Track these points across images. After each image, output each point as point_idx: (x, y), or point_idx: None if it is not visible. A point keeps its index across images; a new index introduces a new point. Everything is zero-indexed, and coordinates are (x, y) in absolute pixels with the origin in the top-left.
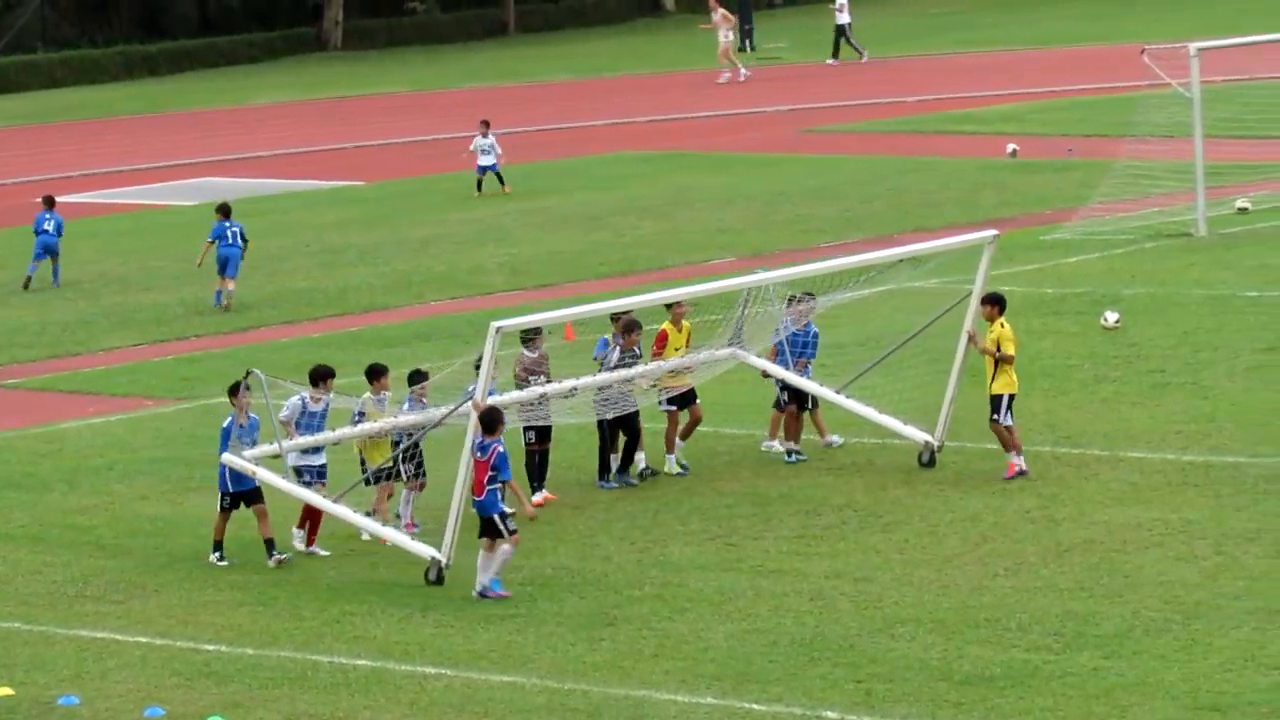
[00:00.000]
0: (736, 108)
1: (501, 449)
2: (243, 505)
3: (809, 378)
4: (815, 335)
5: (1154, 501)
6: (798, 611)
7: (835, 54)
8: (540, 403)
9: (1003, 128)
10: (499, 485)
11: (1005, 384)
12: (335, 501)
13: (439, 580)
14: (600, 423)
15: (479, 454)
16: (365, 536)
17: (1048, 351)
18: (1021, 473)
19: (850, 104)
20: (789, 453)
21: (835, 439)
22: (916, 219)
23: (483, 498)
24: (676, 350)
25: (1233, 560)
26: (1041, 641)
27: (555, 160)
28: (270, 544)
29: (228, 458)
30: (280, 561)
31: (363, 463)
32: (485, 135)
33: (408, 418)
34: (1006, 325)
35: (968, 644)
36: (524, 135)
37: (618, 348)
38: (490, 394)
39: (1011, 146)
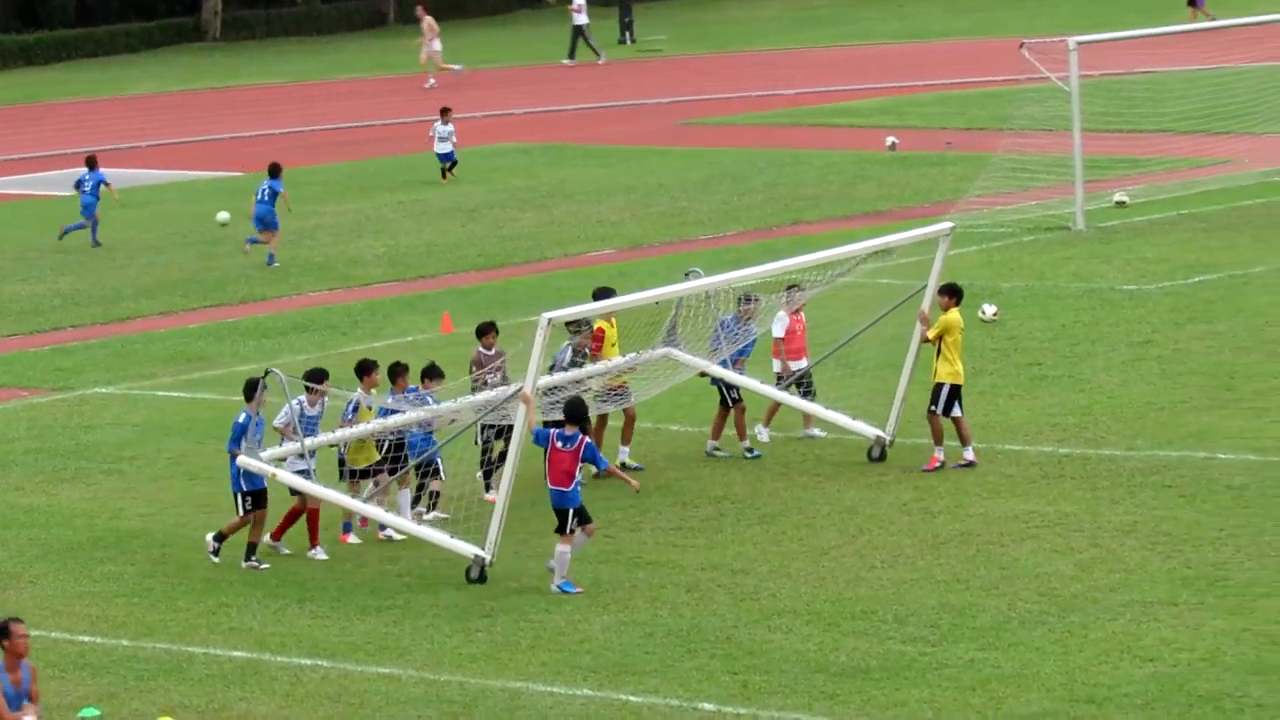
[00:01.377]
0: (614, 100)
1: (588, 439)
2: (256, 507)
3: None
4: (755, 335)
5: (1031, 494)
6: (674, 603)
7: (571, 55)
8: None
9: (881, 121)
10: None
11: (947, 373)
12: (366, 501)
13: (481, 579)
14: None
15: (563, 445)
16: (384, 535)
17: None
18: (971, 464)
19: (728, 97)
20: (714, 450)
21: (763, 433)
22: (794, 212)
23: (569, 489)
24: (614, 346)
25: (1108, 553)
26: (918, 633)
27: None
28: (253, 549)
29: (244, 460)
30: (254, 568)
31: (341, 463)
32: (445, 123)
33: (412, 413)
34: (952, 313)
35: (844, 636)
36: (401, 127)
37: (570, 347)
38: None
39: (890, 140)
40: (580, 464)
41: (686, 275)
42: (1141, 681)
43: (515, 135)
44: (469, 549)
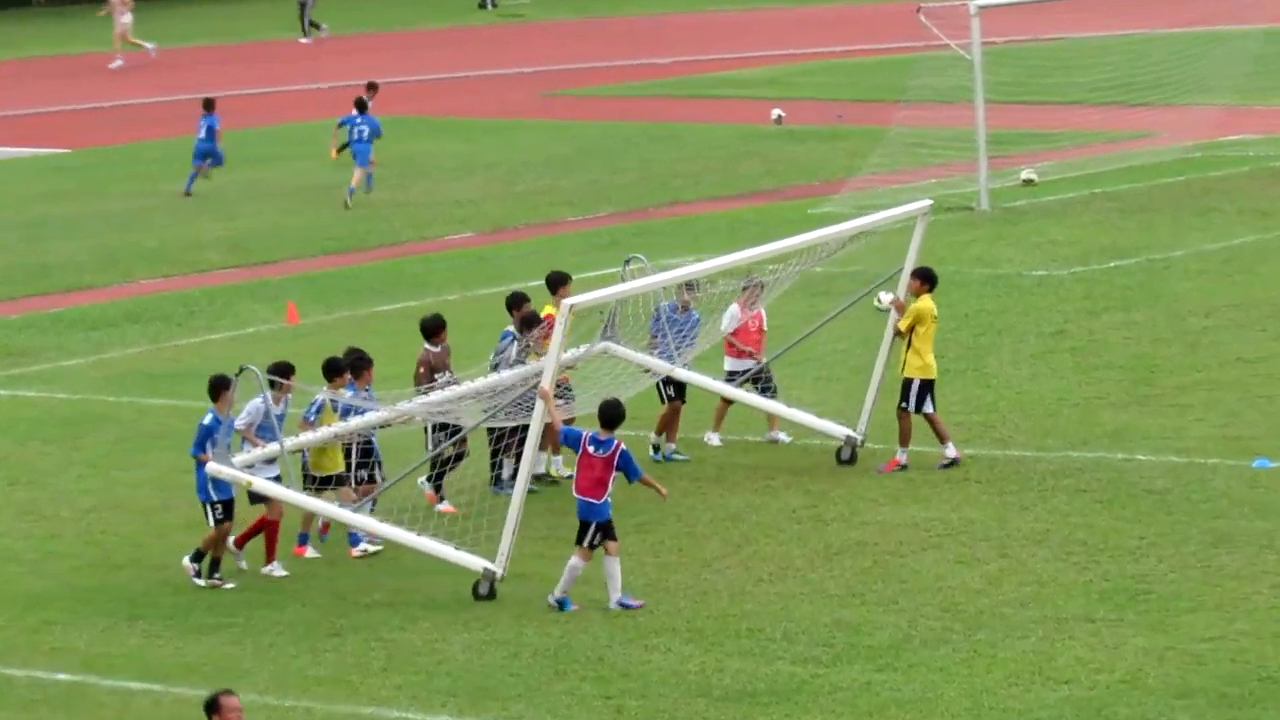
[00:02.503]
0: (474, 69)
1: (624, 446)
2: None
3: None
4: (696, 323)
5: (932, 500)
6: (542, 620)
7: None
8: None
9: (766, 92)
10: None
11: (918, 367)
12: (357, 510)
13: (490, 595)
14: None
15: (595, 450)
16: (359, 551)
17: (817, 337)
18: (955, 461)
19: (598, 66)
20: (657, 447)
21: (712, 438)
22: (671, 191)
23: (600, 501)
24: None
25: (1018, 564)
26: (809, 653)
27: (275, 126)
28: (215, 564)
29: (215, 467)
30: (216, 585)
31: (305, 468)
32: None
33: (406, 407)
34: (925, 301)
35: (728, 656)
36: (243, 99)
37: (515, 343)
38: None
39: (776, 112)
40: (614, 473)
41: (626, 263)
42: (1055, 706)
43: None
44: (477, 562)
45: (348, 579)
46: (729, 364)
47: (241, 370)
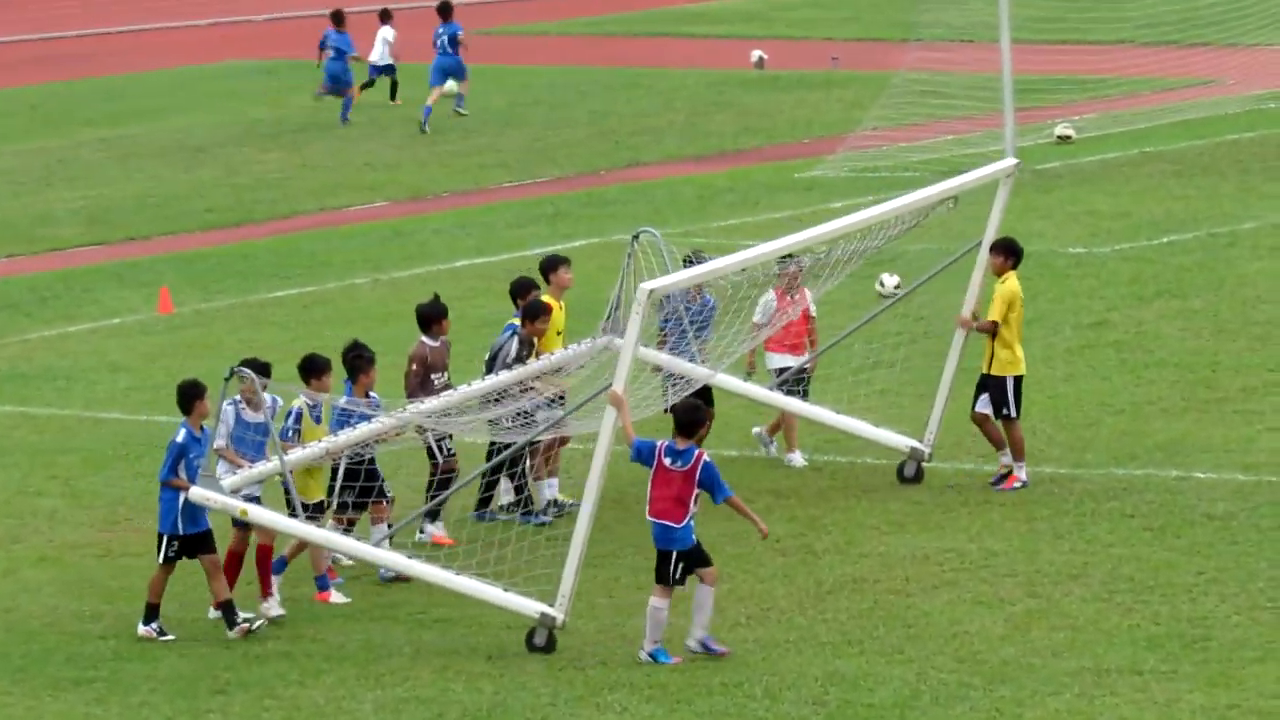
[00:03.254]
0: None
1: (707, 457)
2: (186, 555)
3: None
4: (713, 309)
5: (946, 527)
6: (471, 674)
7: None
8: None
9: (745, 30)
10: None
11: (1009, 362)
12: (378, 544)
13: (549, 646)
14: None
15: (672, 463)
16: (336, 598)
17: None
18: (1024, 483)
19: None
20: None
21: (795, 458)
22: (629, 151)
23: (680, 524)
24: (559, 334)
25: (1050, 605)
26: (796, 712)
27: (143, 73)
28: (229, 608)
29: (200, 493)
30: (246, 630)
31: (287, 491)
32: (387, 25)
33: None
34: (1012, 281)
35: (697, 717)
36: (105, 38)
37: (515, 337)
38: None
39: (757, 54)
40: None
41: (635, 238)
42: None
43: (252, 49)
44: (532, 606)
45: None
46: (774, 360)
47: (233, 374)
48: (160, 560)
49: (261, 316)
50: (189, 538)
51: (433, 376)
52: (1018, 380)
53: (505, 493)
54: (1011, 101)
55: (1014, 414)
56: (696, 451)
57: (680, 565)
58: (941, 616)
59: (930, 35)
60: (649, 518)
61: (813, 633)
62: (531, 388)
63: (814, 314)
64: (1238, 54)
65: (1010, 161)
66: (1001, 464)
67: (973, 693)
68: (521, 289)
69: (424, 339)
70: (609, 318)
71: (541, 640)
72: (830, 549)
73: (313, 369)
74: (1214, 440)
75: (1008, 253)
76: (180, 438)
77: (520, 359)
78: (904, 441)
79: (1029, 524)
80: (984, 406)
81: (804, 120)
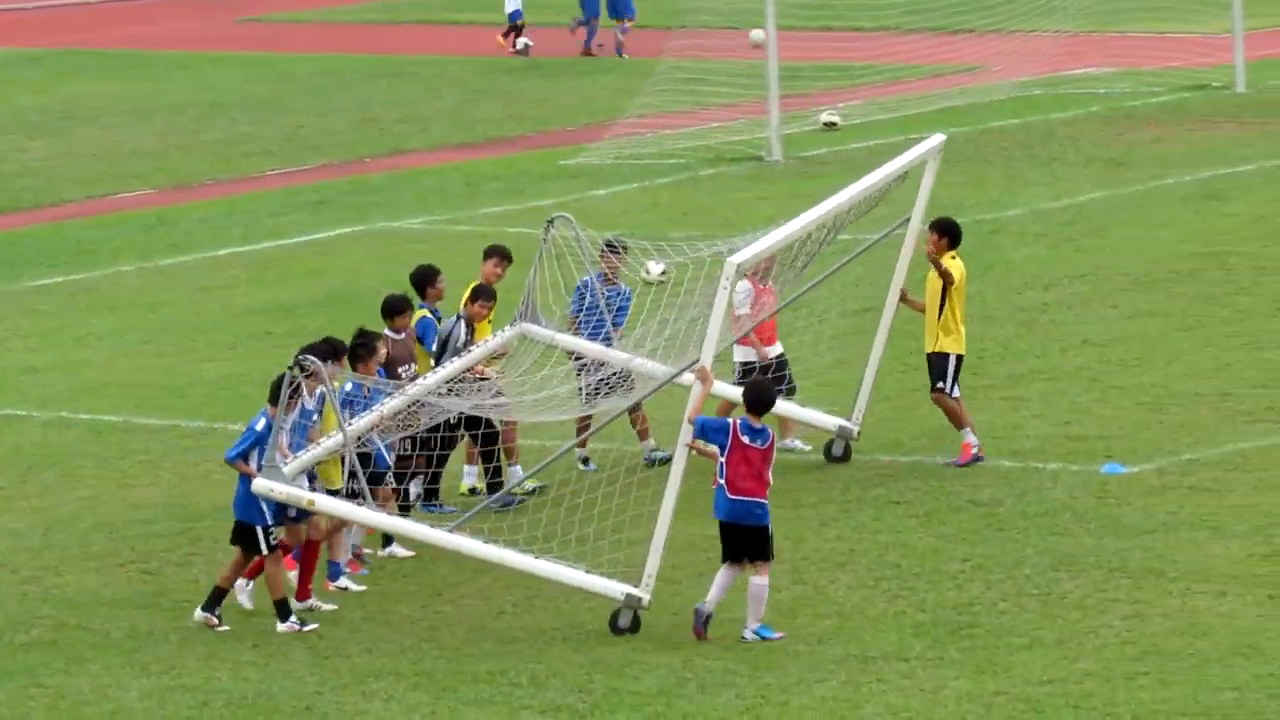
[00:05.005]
0: None
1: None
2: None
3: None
4: (629, 296)
5: (709, 514)
6: (236, 662)
7: None
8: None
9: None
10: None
11: (954, 341)
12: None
13: (634, 627)
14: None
15: (751, 440)
16: (344, 583)
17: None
18: (977, 459)
19: None
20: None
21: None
22: (394, 139)
23: (764, 502)
24: (489, 321)
25: (815, 592)
26: (562, 700)
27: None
28: (219, 598)
29: (264, 484)
30: (296, 627)
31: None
32: None
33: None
34: (958, 260)
35: (464, 705)
36: None
37: (461, 321)
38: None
39: (523, 41)
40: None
41: (549, 225)
42: None
43: (20, 38)
44: (616, 587)
45: (9, 604)
46: (740, 353)
47: (297, 363)
48: (264, 551)
49: (28, 304)
50: (278, 525)
51: (399, 370)
52: (959, 358)
53: (468, 475)
54: (777, 89)
55: (949, 389)
56: (772, 430)
57: (756, 543)
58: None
59: (695, 22)
60: (730, 496)
61: (579, 620)
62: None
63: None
64: (1003, 40)
65: (938, 138)
66: (966, 442)
67: (739, 680)
68: (425, 278)
69: (387, 332)
70: (524, 304)
71: (626, 622)
72: (599, 536)
73: (335, 352)
74: (980, 427)
75: (946, 233)
76: (260, 425)
77: (466, 343)
78: (831, 421)
79: (795, 511)
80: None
81: (570, 107)
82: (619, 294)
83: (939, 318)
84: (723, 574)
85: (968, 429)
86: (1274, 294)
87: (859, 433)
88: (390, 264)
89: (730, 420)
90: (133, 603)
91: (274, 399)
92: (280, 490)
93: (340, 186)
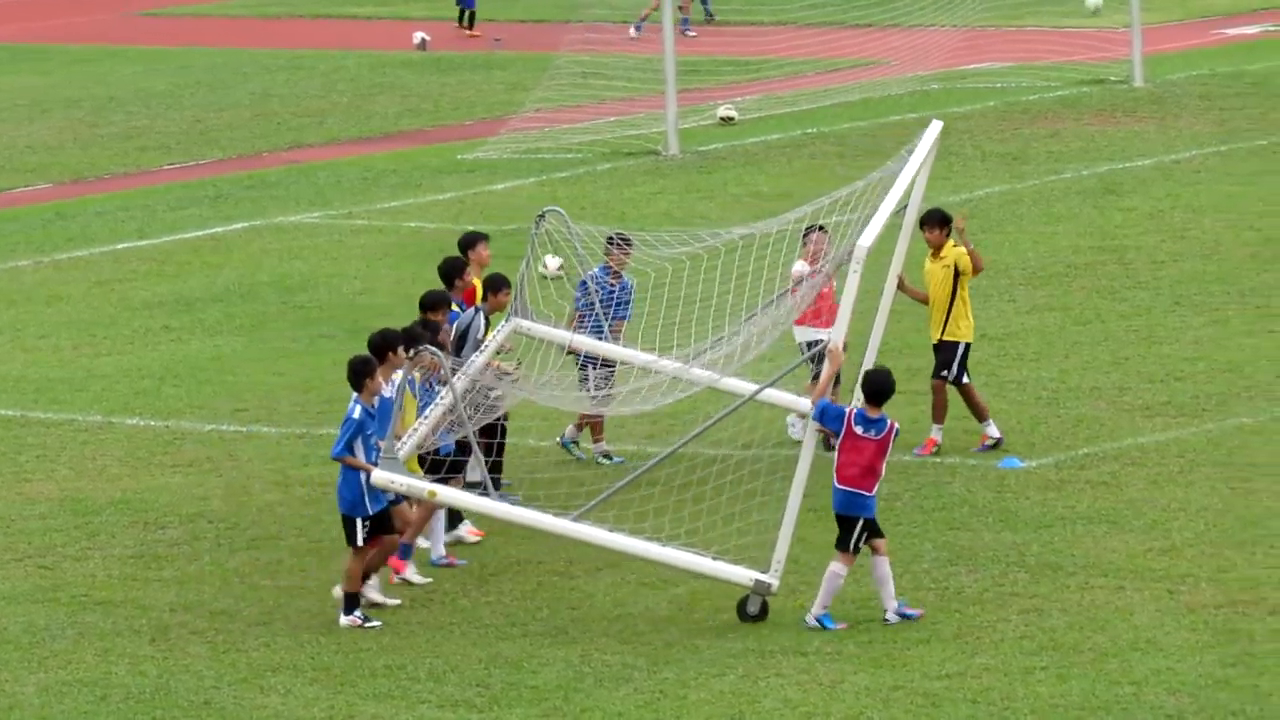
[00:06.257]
0: None
1: (898, 426)
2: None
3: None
4: (630, 289)
5: (608, 504)
6: (135, 656)
7: None
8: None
9: (406, 11)
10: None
11: (966, 329)
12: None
13: (763, 613)
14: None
15: (865, 430)
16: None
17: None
18: (998, 442)
19: None
20: (574, 444)
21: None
22: (292, 133)
23: (870, 493)
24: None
25: (715, 586)
26: (460, 695)
27: None
28: (355, 599)
29: (383, 477)
30: (359, 622)
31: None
32: None
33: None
34: (960, 247)
35: (361, 699)
36: None
37: (480, 313)
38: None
39: (420, 36)
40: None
41: (539, 219)
42: None
43: None
44: (745, 574)
45: None
46: (800, 333)
47: (411, 348)
48: (357, 545)
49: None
50: (379, 515)
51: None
52: (968, 346)
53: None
54: (674, 83)
55: (953, 378)
56: (889, 421)
57: (864, 534)
58: (605, 598)
59: (592, 17)
60: (837, 485)
61: (476, 615)
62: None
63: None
64: (901, 35)
65: (937, 125)
66: (985, 435)
67: (636, 674)
68: (453, 269)
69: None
70: (516, 299)
71: (755, 608)
72: (493, 530)
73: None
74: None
75: (939, 225)
76: (356, 414)
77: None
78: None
79: (695, 505)
80: (966, 377)
81: (467, 102)
82: (623, 287)
83: (950, 306)
84: (833, 564)
85: (988, 421)
86: (1171, 288)
87: None
88: (287, 258)
89: (847, 408)
90: (29, 598)
91: (357, 385)
92: (401, 482)
93: (238, 181)
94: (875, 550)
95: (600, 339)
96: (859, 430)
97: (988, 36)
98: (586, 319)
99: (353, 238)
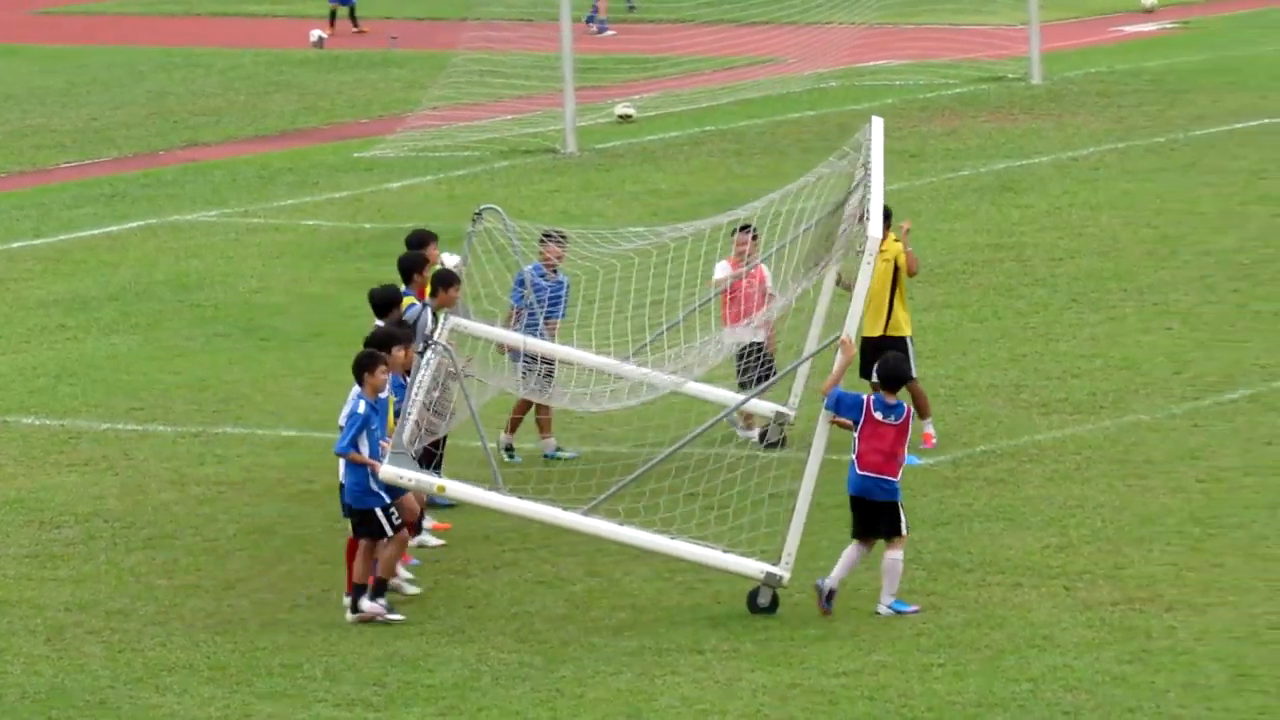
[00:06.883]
0: None
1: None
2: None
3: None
4: (566, 287)
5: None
6: (29, 656)
7: None
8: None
9: (303, 9)
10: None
11: (908, 322)
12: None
13: (773, 606)
14: None
15: (884, 416)
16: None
17: (366, 308)
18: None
19: None
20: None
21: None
22: (189, 131)
23: (896, 477)
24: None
25: (610, 584)
26: (356, 694)
27: None
28: (361, 590)
29: (391, 471)
30: (383, 612)
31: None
32: None
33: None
34: (899, 242)
35: (257, 699)
36: None
37: (427, 309)
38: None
39: (316, 34)
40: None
41: (476, 218)
42: None
43: None
44: (756, 566)
45: None
46: (729, 335)
47: (431, 345)
48: (390, 532)
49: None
50: (397, 504)
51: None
52: (910, 340)
53: None
54: (572, 81)
55: (914, 374)
56: (906, 406)
57: (889, 519)
58: (502, 596)
59: (489, 15)
60: (859, 471)
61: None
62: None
63: (772, 290)
64: (799, 33)
65: (878, 121)
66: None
67: (533, 673)
68: (413, 265)
69: (379, 323)
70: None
71: (766, 600)
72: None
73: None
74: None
75: (886, 219)
76: (361, 409)
77: (433, 331)
78: (768, 407)
79: (589, 499)
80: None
81: (363, 100)
82: (558, 285)
83: (890, 301)
84: (851, 550)
85: (928, 418)
86: (1068, 285)
87: (794, 418)
88: (183, 256)
89: (864, 396)
90: None
91: (361, 380)
92: (410, 477)
93: (134, 179)
94: (891, 544)
95: (538, 337)
96: (879, 416)
97: (886, 34)
98: (524, 317)
99: (249, 236)
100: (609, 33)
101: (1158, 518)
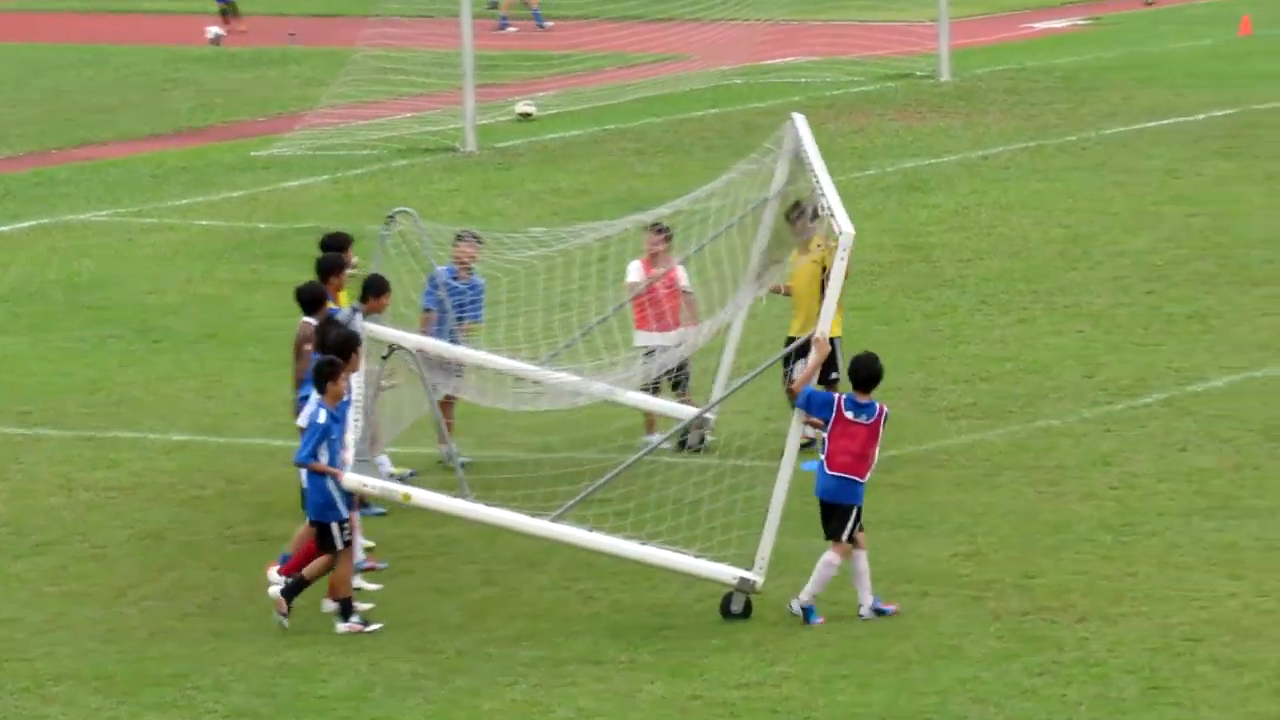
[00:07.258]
0: None
1: (888, 409)
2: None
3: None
4: (481, 289)
5: (403, 513)
6: None
7: None
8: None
9: (200, 5)
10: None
11: (836, 323)
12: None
13: (746, 612)
14: None
15: (856, 416)
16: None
17: (261, 308)
18: (810, 442)
19: None
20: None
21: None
22: (82, 130)
23: (862, 479)
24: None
25: (508, 592)
26: (246, 705)
27: None
28: (349, 604)
29: (355, 479)
30: (360, 627)
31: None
32: None
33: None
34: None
35: (145, 709)
36: None
37: (357, 313)
38: None
39: (213, 30)
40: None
41: (390, 220)
42: None
43: None
44: (729, 572)
45: None
46: (641, 338)
47: (392, 351)
48: (339, 547)
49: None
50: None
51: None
52: (838, 341)
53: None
54: (472, 78)
55: (840, 377)
56: (879, 406)
57: (857, 522)
58: (396, 605)
59: (389, 11)
60: (827, 471)
61: (264, 623)
62: None
63: (687, 289)
64: (702, 30)
65: (800, 118)
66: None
67: (427, 683)
68: (332, 267)
69: (307, 319)
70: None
71: (739, 606)
72: (284, 535)
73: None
74: (670, 421)
75: (813, 219)
76: (322, 419)
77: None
78: (688, 411)
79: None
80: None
81: (261, 98)
82: (473, 287)
83: (820, 302)
84: (828, 554)
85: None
86: (977, 287)
87: (713, 427)
88: (76, 256)
89: (835, 395)
90: None
91: (322, 388)
92: (375, 485)
93: (25, 179)
94: (855, 544)
95: (448, 340)
96: (850, 416)
97: (792, 30)
98: (438, 320)
99: (143, 236)
100: (511, 29)
101: (1069, 525)
